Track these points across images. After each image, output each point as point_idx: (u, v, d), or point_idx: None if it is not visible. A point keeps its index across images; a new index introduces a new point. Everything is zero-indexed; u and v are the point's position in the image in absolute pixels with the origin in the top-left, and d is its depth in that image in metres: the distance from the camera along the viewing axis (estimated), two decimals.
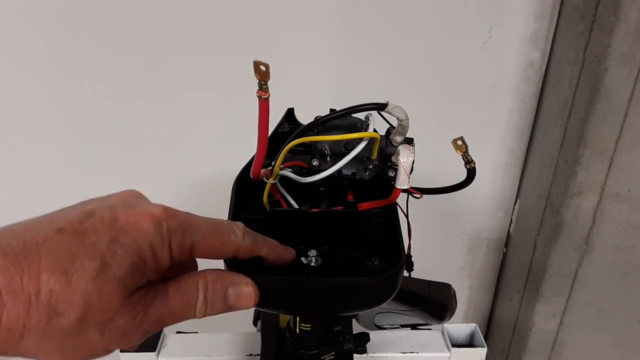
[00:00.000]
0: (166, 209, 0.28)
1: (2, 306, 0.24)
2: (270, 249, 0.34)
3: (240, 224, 0.32)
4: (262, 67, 0.32)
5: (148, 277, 0.28)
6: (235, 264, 0.34)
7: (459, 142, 0.37)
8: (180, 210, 0.29)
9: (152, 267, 0.27)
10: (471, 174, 0.38)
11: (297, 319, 0.45)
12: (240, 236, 0.31)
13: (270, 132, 0.44)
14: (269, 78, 0.32)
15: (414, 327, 0.66)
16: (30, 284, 0.24)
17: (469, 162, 0.37)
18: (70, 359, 0.27)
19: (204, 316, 0.30)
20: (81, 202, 0.29)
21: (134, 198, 0.30)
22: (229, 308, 0.32)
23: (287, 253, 0.35)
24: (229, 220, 0.33)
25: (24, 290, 0.24)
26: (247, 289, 0.32)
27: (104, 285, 0.25)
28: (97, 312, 0.26)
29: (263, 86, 0.32)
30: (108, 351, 0.28)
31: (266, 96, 0.33)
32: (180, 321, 0.30)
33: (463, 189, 0.40)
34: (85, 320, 0.25)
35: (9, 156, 0.82)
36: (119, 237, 0.26)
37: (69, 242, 0.25)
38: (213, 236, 0.30)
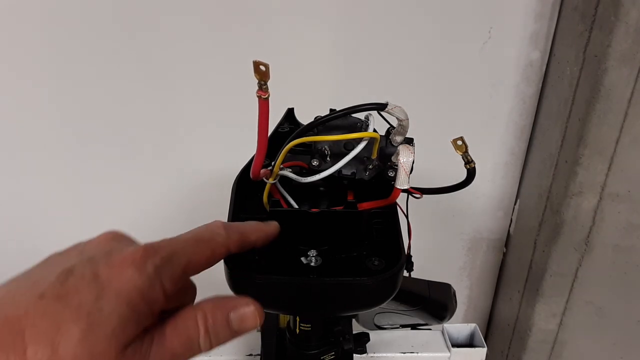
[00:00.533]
0: (146, 249, 0.27)
1: None
2: (256, 231, 0.33)
3: (218, 223, 0.31)
4: (262, 67, 0.32)
5: (144, 325, 0.26)
6: (235, 264, 0.34)
7: (459, 142, 0.37)
8: (159, 241, 0.28)
9: (146, 313, 0.26)
10: (471, 174, 0.38)
11: (297, 319, 0.45)
12: (225, 234, 0.30)
13: (270, 132, 0.44)
14: (269, 78, 0.32)
15: (414, 327, 0.66)
16: (10, 344, 0.23)
17: (469, 162, 0.37)
18: None
19: (211, 349, 0.29)
20: (59, 255, 0.28)
21: (114, 242, 0.29)
22: (235, 333, 0.30)
23: (270, 228, 0.34)
24: (205, 225, 0.32)
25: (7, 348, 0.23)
26: (249, 309, 0.30)
27: (94, 346, 0.24)
28: None
29: (263, 86, 0.32)
30: None
31: (266, 96, 0.33)
32: None
33: (463, 189, 0.40)
34: None
35: (6, 157, 0.82)
36: (103, 292, 0.25)
37: (52, 309, 0.24)
38: (200, 250, 0.29)
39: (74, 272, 0.25)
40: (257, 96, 0.33)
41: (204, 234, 0.30)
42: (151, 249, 0.27)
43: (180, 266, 0.28)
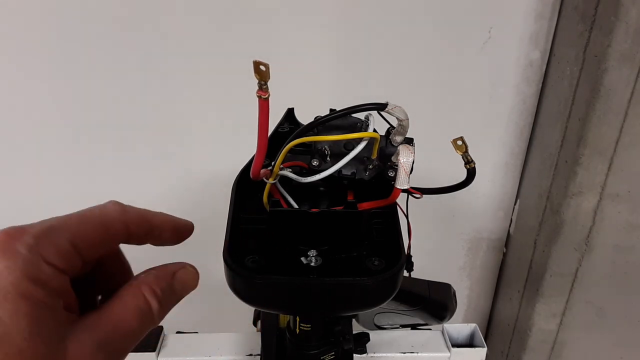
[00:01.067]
0: (7, 232, 0.23)
1: None
2: (161, 217, 0.30)
3: (112, 201, 0.28)
4: (262, 67, 0.32)
5: (59, 312, 0.23)
6: (235, 264, 0.34)
7: (459, 142, 0.37)
8: (31, 223, 0.25)
9: (49, 299, 0.23)
10: (471, 174, 0.38)
11: (297, 319, 0.45)
12: (119, 210, 0.27)
13: (270, 132, 0.44)
14: (269, 78, 0.32)
15: (414, 327, 0.66)
16: None
17: (469, 162, 0.37)
18: None
19: (162, 319, 0.29)
20: None
21: None
22: (180, 297, 0.30)
23: (180, 220, 0.31)
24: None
25: None
26: (188, 271, 0.30)
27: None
28: None
29: (263, 86, 0.32)
30: None
31: (266, 96, 0.32)
32: (141, 337, 0.27)
33: (463, 189, 0.40)
34: None
35: (5, 156, 0.82)
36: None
37: None
38: (87, 224, 0.26)
39: None
40: (257, 96, 0.33)
41: (92, 209, 0.27)
42: (15, 231, 0.23)
43: (65, 239, 0.24)
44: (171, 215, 0.31)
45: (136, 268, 0.31)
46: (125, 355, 0.27)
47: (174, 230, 0.31)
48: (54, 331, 0.23)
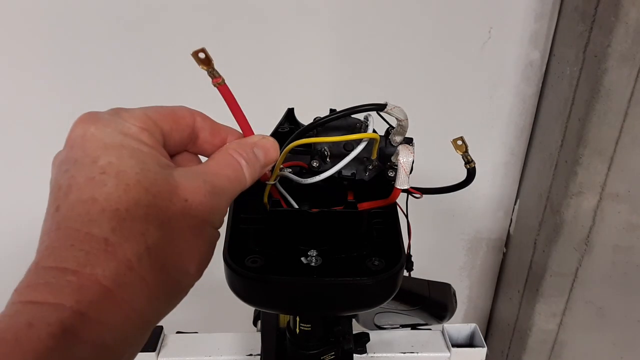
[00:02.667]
0: (87, 113, 0.28)
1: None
2: (229, 127, 0.33)
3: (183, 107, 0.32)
4: (202, 55, 0.31)
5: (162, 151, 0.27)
6: (235, 264, 0.34)
7: (459, 142, 0.37)
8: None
9: (153, 141, 0.27)
10: (471, 174, 0.38)
11: (297, 319, 0.45)
12: (185, 107, 0.31)
13: (270, 132, 0.44)
14: (213, 61, 0.31)
15: (414, 327, 0.66)
16: (87, 242, 0.23)
17: (469, 162, 0.37)
18: (197, 251, 0.27)
19: (253, 181, 0.31)
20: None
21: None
22: (264, 166, 0.32)
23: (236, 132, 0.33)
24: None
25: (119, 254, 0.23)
26: (268, 141, 0.32)
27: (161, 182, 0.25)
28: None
29: (213, 72, 0.32)
30: (214, 226, 0.28)
31: (221, 81, 0.32)
32: (235, 195, 0.30)
33: (463, 189, 0.40)
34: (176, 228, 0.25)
35: (6, 156, 0.82)
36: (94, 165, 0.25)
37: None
38: (157, 108, 0.29)
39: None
40: (214, 85, 0.32)
41: (173, 107, 0.31)
42: (93, 112, 0.28)
43: (139, 111, 0.28)
44: (238, 131, 0.33)
45: None
46: (228, 197, 0.29)
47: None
48: (159, 167, 0.26)
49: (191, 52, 0.30)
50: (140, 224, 0.24)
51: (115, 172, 0.24)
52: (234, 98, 0.32)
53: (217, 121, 0.33)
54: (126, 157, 0.25)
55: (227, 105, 0.32)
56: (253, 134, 0.33)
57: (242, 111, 0.33)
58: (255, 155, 0.31)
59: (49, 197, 0.26)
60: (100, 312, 0.22)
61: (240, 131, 0.34)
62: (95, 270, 0.22)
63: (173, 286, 0.26)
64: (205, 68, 0.30)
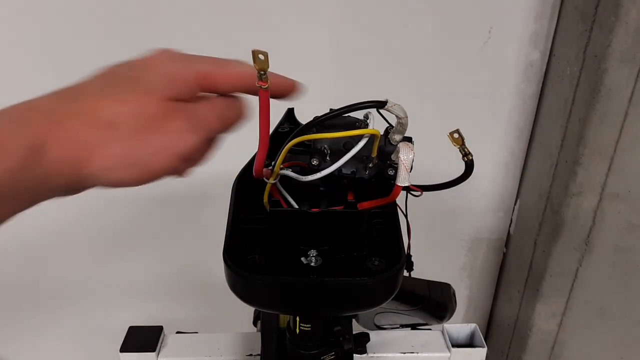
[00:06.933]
0: (171, 49, 0.36)
1: (69, 124, 0.30)
2: (276, 76, 0.36)
3: (236, 60, 0.36)
4: (261, 56, 0.31)
5: (180, 94, 0.33)
6: (235, 264, 0.34)
7: (455, 135, 0.36)
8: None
9: (179, 86, 0.33)
10: (469, 167, 0.38)
11: (297, 319, 0.45)
12: (245, 65, 0.35)
13: (270, 132, 0.44)
14: (268, 67, 0.32)
15: (414, 327, 0.66)
16: (85, 106, 0.31)
17: (466, 155, 0.37)
18: (148, 170, 0.32)
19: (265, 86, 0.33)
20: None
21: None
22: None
23: (290, 81, 0.39)
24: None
25: (82, 110, 0.30)
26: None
27: (143, 96, 0.31)
28: (146, 117, 0.31)
29: (262, 76, 0.32)
30: (178, 158, 0.33)
31: (266, 86, 0.32)
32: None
33: (463, 189, 0.40)
34: (140, 125, 0.31)
35: None
36: (143, 68, 0.33)
37: (105, 80, 0.33)
38: (218, 65, 0.35)
39: (116, 65, 0.35)
40: (258, 87, 0.32)
41: (225, 59, 0.36)
42: (175, 50, 0.36)
43: (203, 65, 0.35)
44: (281, 77, 0.38)
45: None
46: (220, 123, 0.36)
47: (280, 87, 0.38)
48: (164, 96, 0.32)
49: (253, 49, 0.32)
50: (116, 114, 0.31)
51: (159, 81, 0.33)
52: (269, 107, 0.33)
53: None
54: (170, 79, 0.34)
55: (259, 110, 0.33)
56: (268, 145, 0.36)
57: (269, 122, 0.34)
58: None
59: (114, 67, 0.35)
60: (55, 143, 0.29)
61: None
62: (71, 121, 0.30)
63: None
64: (258, 68, 0.32)
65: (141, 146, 0.31)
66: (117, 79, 0.33)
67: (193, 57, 0.36)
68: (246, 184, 0.42)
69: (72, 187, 0.31)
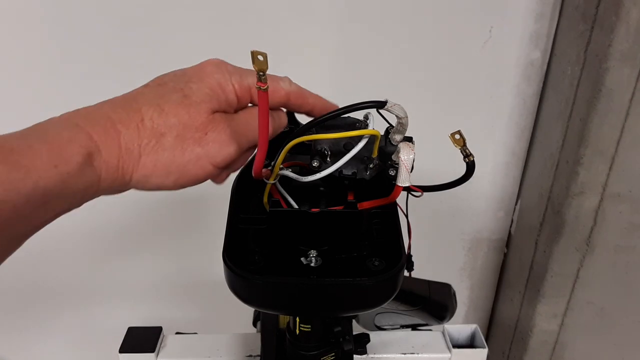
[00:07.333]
0: (222, 60, 0.37)
1: (119, 133, 0.32)
2: (316, 97, 0.39)
3: (286, 77, 0.39)
4: (260, 57, 0.31)
5: (223, 106, 0.35)
6: (235, 264, 0.34)
7: (457, 136, 0.36)
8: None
9: (223, 98, 0.35)
10: (470, 168, 0.38)
11: (297, 319, 0.45)
12: (288, 83, 0.38)
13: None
14: (267, 68, 0.32)
15: (414, 327, 0.66)
16: (135, 116, 0.33)
17: (467, 156, 0.37)
18: (186, 177, 0.35)
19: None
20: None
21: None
22: (279, 127, 0.39)
23: (331, 104, 0.40)
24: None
25: (132, 120, 0.32)
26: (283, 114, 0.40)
27: (189, 108, 0.34)
28: (189, 128, 0.34)
29: (262, 77, 0.32)
30: (216, 167, 0.35)
31: (265, 87, 0.32)
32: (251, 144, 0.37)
33: (464, 189, 0.39)
34: (183, 136, 0.33)
35: None
36: (191, 79, 0.35)
37: (156, 90, 0.35)
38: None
39: (167, 75, 0.36)
40: (257, 88, 0.32)
41: (273, 75, 0.37)
42: (225, 63, 0.37)
43: (247, 80, 0.36)
44: (324, 100, 0.40)
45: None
46: (250, 136, 0.37)
47: (323, 110, 0.39)
48: (210, 109, 0.35)
49: (251, 50, 0.32)
50: (163, 125, 0.33)
51: (191, 99, 0.35)
52: (268, 108, 0.34)
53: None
54: (204, 92, 0.35)
55: (259, 111, 0.34)
56: (267, 146, 0.36)
57: (268, 122, 0.34)
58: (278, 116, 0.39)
59: (166, 76, 0.37)
60: (107, 150, 0.32)
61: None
62: (122, 130, 0.32)
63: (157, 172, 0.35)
64: (257, 69, 0.32)
65: (183, 155, 0.34)
66: (168, 89, 0.35)
67: (241, 71, 0.37)
68: (246, 184, 0.42)
69: (116, 189, 0.34)
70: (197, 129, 0.34)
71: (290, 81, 0.38)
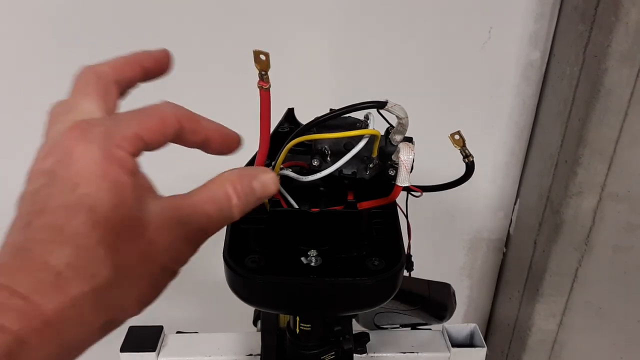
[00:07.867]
0: (79, 126, 0.26)
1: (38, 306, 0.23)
2: (209, 120, 0.32)
3: (165, 101, 0.31)
4: (262, 57, 0.31)
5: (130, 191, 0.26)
6: (235, 264, 0.34)
7: (456, 137, 0.37)
8: (97, 118, 0.28)
9: (121, 174, 0.26)
10: (470, 168, 0.38)
11: (297, 319, 0.45)
12: (172, 106, 0.30)
13: (271, 132, 0.44)
14: (270, 67, 0.32)
15: (414, 327, 0.66)
16: (42, 271, 0.23)
17: (467, 156, 0.37)
18: (145, 295, 0.28)
19: (240, 216, 0.29)
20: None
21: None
22: (259, 200, 0.31)
23: (230, 132, 0.32)
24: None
25: (44, 280, 0.23)
26: (269, 175, 0.31)
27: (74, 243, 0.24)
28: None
29: (264, 76, 0.32)
30: (172, 272, 0.29)
31: (267, 86, 0.32)
32: (212, 233, 0.29)
33: (463, 189, 0.40)
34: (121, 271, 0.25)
35: (8, 155, 0.82)
36: (63, 192, 0.25)
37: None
38: (147, 119, 0.29)
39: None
40: (259, 87, 0.32)
41: (148, 106, 0.30)
42: (87, 124, 0.27)
43: (129, 129, 0.27)
44: (220, 125, 0.32)
45: None
46: (202, 239, 0.29)
47: (222, 137, 0.32)
48: (135, 203, 0.26)
49: (254, 49, 0.31)
50: (95, 264, 0.24)
51: (88, 207, 0.24)
52: (269, 107, 0.33)
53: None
54: (104, 190, 0.25)
55: (260, 110, 0.33)
56: (268, 145, 0.34)
57: (269, 123, 0.34)
58: (252, 189, 0.30)
59: (24, 202, 0.26)
60: (39, 341, 0.23)
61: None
62: (43, 300, 0.23)
63: (111, 323, 0.27)
64: (259, 68, 0.31)
65: (137, 284, 0.27)
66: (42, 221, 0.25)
67: (106, 136, 0.26)
68: None
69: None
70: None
71: (173, 103, 0.31)
